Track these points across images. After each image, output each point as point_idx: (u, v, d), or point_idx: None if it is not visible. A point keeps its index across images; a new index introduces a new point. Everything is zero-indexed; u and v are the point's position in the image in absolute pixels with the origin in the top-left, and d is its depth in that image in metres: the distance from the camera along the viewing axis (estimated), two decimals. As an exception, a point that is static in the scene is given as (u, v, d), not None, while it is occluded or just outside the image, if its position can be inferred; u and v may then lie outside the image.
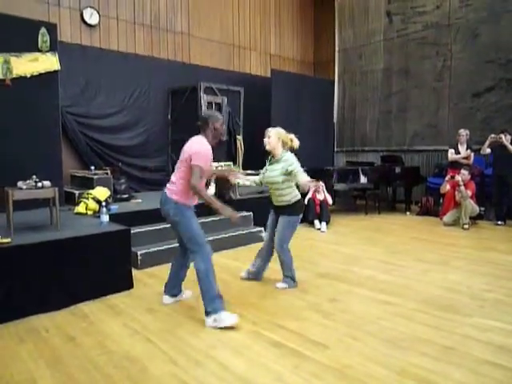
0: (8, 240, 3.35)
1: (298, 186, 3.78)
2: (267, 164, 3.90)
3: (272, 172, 3.79)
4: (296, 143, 3.83)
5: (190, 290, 3.67)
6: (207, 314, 3.13)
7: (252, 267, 4.14)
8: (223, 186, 5.96)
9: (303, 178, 3.55)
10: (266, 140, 3.77)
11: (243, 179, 3.92)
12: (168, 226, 4.99)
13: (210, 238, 4.93)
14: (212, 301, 3.12)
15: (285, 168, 3.68)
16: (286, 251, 3.92)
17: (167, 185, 3.32)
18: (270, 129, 3.83)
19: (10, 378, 2.43)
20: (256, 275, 4.13)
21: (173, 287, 3.59)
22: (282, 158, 3.74)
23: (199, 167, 3.08)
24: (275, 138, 3.74)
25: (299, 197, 3.89)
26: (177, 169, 3.28)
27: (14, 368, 2.54)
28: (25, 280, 3.31)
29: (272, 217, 4.02)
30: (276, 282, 3.98)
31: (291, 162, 3.68)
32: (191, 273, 3.37)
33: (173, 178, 3.28)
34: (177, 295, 3.63)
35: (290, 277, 3.96)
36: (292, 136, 3.84)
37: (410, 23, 9.05)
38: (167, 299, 3.60)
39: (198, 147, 3.15)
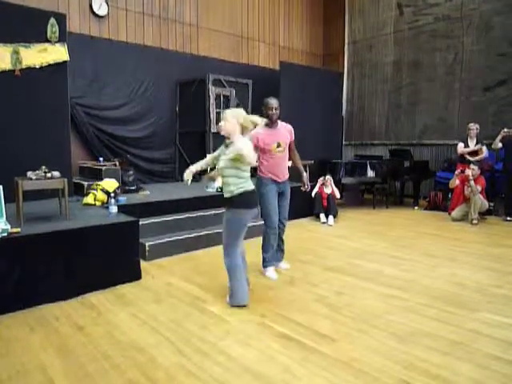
0: (18, 230, 3.38)
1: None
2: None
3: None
4: (261, 124, 3.36)
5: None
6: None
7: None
8: None
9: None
10: (221, 124, 3.18)
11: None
12: (179, 217, 5.14)
13: (216, 231, 4.97)
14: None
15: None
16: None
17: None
18: (227, 111, 3.23)
19: (20, 366, 2.46)
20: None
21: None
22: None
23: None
24: (232, 121, 3.12)
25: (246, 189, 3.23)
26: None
27: (25, 356, 2.58)
28: (34, 269, 3.34)
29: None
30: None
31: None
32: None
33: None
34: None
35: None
36: (255, 118, 3.23)
37: (421, 15, 8.92)
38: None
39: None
